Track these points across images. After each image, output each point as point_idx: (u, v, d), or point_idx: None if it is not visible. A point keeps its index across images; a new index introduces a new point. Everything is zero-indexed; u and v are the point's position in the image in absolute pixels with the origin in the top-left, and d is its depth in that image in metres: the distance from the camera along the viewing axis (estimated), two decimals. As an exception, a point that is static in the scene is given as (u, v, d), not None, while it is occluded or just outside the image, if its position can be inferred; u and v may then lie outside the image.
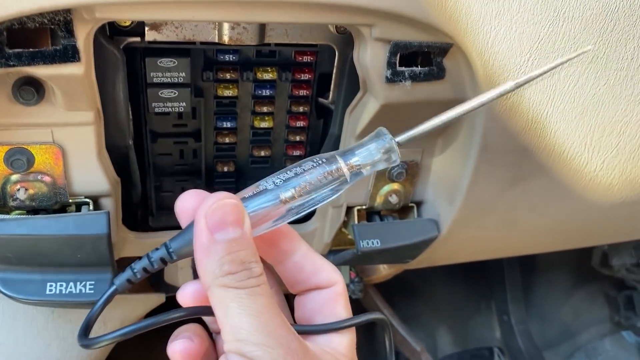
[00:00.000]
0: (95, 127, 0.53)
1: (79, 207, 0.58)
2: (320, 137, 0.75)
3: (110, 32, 0.55)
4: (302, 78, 0.67)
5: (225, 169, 0.73)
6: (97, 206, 0.59)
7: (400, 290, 1.38)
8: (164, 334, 1.21)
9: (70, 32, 0.44)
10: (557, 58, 0.50)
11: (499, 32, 0.52)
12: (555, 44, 0.54)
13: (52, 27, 0.44)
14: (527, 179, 0.64)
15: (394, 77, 0.53)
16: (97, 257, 0.56)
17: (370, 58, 0.52)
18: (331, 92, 0.67)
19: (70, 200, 0.57)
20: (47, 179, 0.54)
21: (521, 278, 1.47)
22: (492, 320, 1.49)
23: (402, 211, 0.71)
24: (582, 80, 0.57)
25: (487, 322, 1.48)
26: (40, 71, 0.46)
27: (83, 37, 0.45)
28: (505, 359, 1.08)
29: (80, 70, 0.46)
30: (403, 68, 0.53)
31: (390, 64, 0.53)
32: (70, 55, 0.45)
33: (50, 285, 0.56)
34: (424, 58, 0.54)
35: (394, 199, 0.67)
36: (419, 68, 0.54)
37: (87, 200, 0.57)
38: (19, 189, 0.54)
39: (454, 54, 0.54)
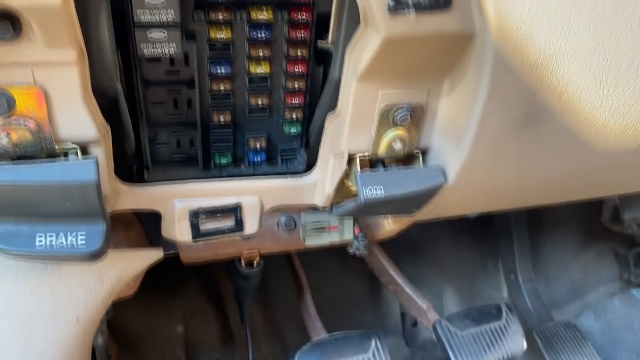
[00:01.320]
0: (79, 68, 0.50)
1: (67, 155, 0.55)
2: (321, 84, 0.71)
3: (92, -34, 0.52)
4: (300, 19, 0.63)
5: (222, 119, 0.70)
6: (85, 154, 0.56)
7: (406, 249, 1.36)
8: (165, 295, 1.20)
9: None
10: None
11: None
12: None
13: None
14: (538, 120, 0.61)
15: (396, 6, 0.49)
16: (87, 206, 0.54)
17: (371, -15, 0.48)
18: (330, 33, 0.63)
19: (57, 148, 0.54)
20: (30, 124, 0.51)
21: (529, 236, 1.44)
22: (499, 279, 1.47)
23: (407, 160, 0.68)
24: (598, 7, 0.53)
25: (494, 281, 1.47)
26: (14, 1, 0.42)
27: (58, -37, 0.42)
28: (514, 316, 1.06)
29: (57, 1, 0.43)
30: None
31: (393, -8, 0.49)
32: (44, -18, 0.42)
33: (40, 237, 0.54)
34: (429, -14, 0.50)
35: (398, 146, 0.64)
36: (424, -3, 0.50)
37: (75, 147, 0.54)
38: (1, 135, 0.51)
39: (461, -18, 0.51)
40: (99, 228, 0.56)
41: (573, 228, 1.46)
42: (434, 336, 1.03)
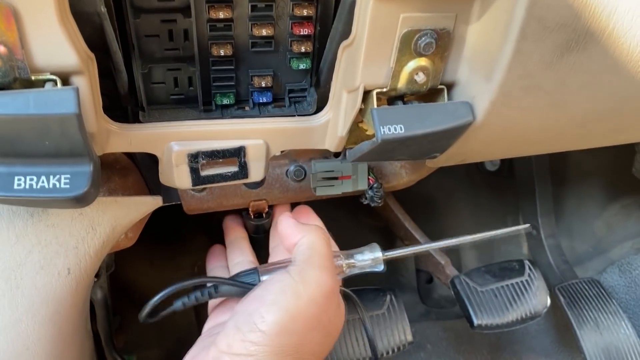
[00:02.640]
0: (52, -17, 0.43)
1: (44, 86, 0.48)
2: (333, 12, 0.64)
3: None
4: None
5: (222, 52, 0.62)
6: (67, 85, 0.49)
7: (422, 203, 1.30)
8: (173, 251, 1.15)
9: None
10: None
11: None
12: None
13: None
14: (581, 46, 0.53)
15: None
16: (70, 144, 0.48)
17: None
18: (344, -52, 0.55)
19: (33, 78, 0.47)
20: (0, 47, 0.45)
21: (552, 190, 1.37)
22: (519, 235, 1.41)
23: (430, 96, 0.61)
24: None
25: (514, 238, 1.41)
26: None
27: None
28: (537, 271, 1.00)
29: None
30: None
31: None
32: None
33: (19, 179, 0.49)
34: None
35: (420, 78, 0.56)
36: None
37: (54, 77, 0.48)
38: (-34, 61, 0.45)
39: None
40: (85, 169, 0.50)
41: (599, 181, 1.38)
42: (452, 292, 0.98)
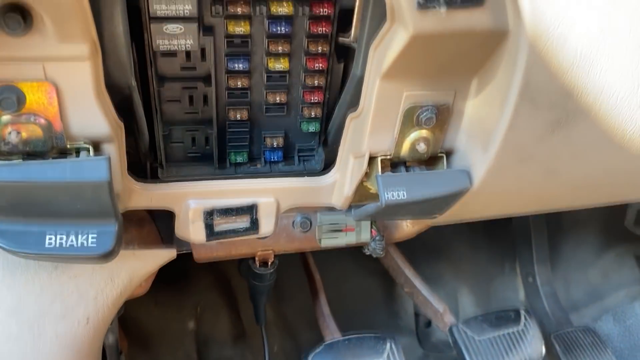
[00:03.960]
0: (92, 63, 0.48)
1: (78, 153, 0.53)
2: (341, 81, 0.69)
3: (106, -43, 0.49)
4: (321, 13, 0.60)
5: (239, 116, 0.67)
6: (98, 152, 0.54)
7: (421, 249, 1.33)
8: (176, 290, 1.18)
9: None
10: None
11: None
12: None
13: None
14: (571, 123, 0.58)
15: (427, 2, 0.46)
16: (99, 206, 0.52)
17: (400, -21, 0.46)
18: (353, 28, 0.60)
19: (69, 145, 0.52)
20: (41, 120, 0.49)
21: (548, 237, 1.41)
22: (516, 281, 1.44)
23: (430, 162, 0.65)
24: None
25: (511, 283, 1.44)
26: (24, -8, 0.40)
27: (71, -48, 0.39)
28: (532, 321, 1.03)
29: (70, -8, 0.41)
30: None
31: (423, -14, 0.46)
32: (56, -28, 0.39)
33: (50, 237, 0.52)
34: (462, -20, 0.47)
35: (421, 147, 0.61)
36: (456, -8, 0.47)
37: (87, 145, 0.52)
38: (10, 132, 0.49)
39: (496, -24, 0.48)
40: (111, 228, 0.54)
41: (594, 230, 1.42)
42: (450, 341, 1.01)
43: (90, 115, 0.51)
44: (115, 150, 0.54)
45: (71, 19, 0.43)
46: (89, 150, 0.52)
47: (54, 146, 0.51)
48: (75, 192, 0.50)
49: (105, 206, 0.52)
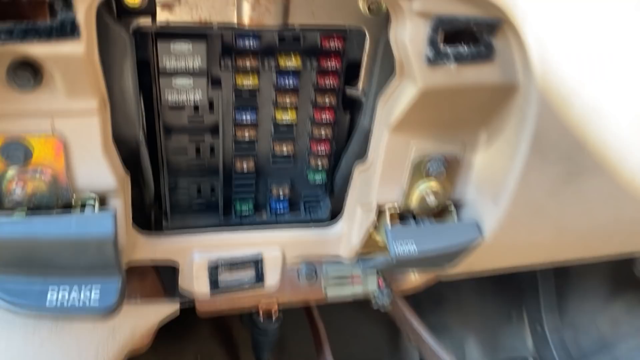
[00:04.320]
0: (101, 117, 0.48)
1: (84, 206, 0.52)
2: (347, 131, 0.69)
3: (118, 13, 0.50)
4: (329, 66, 0.61)
5: (245, 166, 0.67)
6: (103, 205, 0.53)
7: (427, 298, 1.30)
8: (176, 339, 1.13)
9: (68, 4, 0.39)
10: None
11: (560, 7, 0.45)
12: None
13: (48, -2, 0.38)
14: (582, 176, 0.57)
15: (436, 58, 0.47)
16: (103, 261, 0.51)
17: (410, 35, 0.46)
18: (361, 81, 0.61)
19: (74, 199, 0.51)
20: (47, 174, 0.49)
21: (555, 285, 1.38)
22: (524, 330, 1.40)
23: (440, 213, 0.64)
24: (652, 61, 0.50)
25: (518, 332, 1.40)
26: (36, 50, 0.40)
27: (83, 10, 0.40)
28: (543, 373, 1.00)
29: (81, 49, 0.41)
30: (447, 47, 0.47)
31: (433, 42, 0.46)
32: (68, 30, 0.40)
33: (52, 294, 0.51)
34: (470, 36, 0.48)
35: (431, 199, 0.60)
36: (465, 48, 0.47)
37: (93, 198, 0.52)
38: (16, 186, 0.48)
39: (505, 32, 0.48)
40: (114, 283, 0.53)
41: (602, 277, 1.40)
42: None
43: (97, 169, 0.50)
44: (121, 203, 0.54)
45: (81, 75, 0.43)
46: (94, 204, 0.51)
47: (59, 199, 0.50)
48: (80, 247, 0.49)
49: (109, 261, 0.51)
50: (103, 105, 0.48)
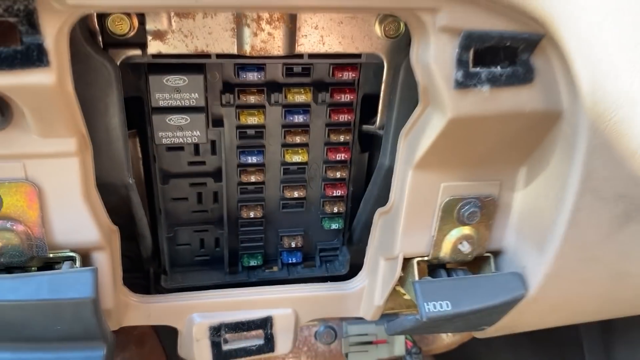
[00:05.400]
0: (80, 160, 0.42)
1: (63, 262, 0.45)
2: (366, 173, 0.62)
3: (104, 43, 0.45)
4: (343, 100, 0.54)
5: (252, 214, 0.60)
6: (87, 262, 0.46)
7: (459, 357, 1.19)
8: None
9: (33, 26, 0.33)
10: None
11: (610, 17, 0.38)
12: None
13: (10, 19, 0.33)
14: (643, 216, 0.49)
15: (466, 81, 0.40)
16: (83, 327, 0.43)
17: (435, 56, 0.39)
18: (379, 115, 0.54)
19: (51, 255, 0.44)
20: (18, 227, 0.42)
21: (601, 339, 1.25)
22: (569, 391, 1.27)
23: (475, 264, 0.56)
24: None
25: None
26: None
27: (53, 34, 0.34)
28: None
29: (51, 79, 0.35)
30: (478, 68, 0.40)
31: (462, 63, 0.39)
32: (35, 57, 0.34)
33: (23, 368, 0.43)
34: (506, 55, 0.41)
35: (465, 247, 0.52)
36: (499, 68, 0.41)
37: (73, 254, 0.45)
38: (-18, 241, 0.42)
39: (545, 49, 0.41)
40: (97, 353, 0.45)
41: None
42: None
43: (77, 220, 0.43)
44: (107, 259, 0.47)
45: (55, 111, 0.38)
46: (74, 260, 0.44)
47: (34, 256, 0.44)
48: (55, 312, 0.42)
49: (90, 327, 0.44)
50: (84, 146, 0.42)
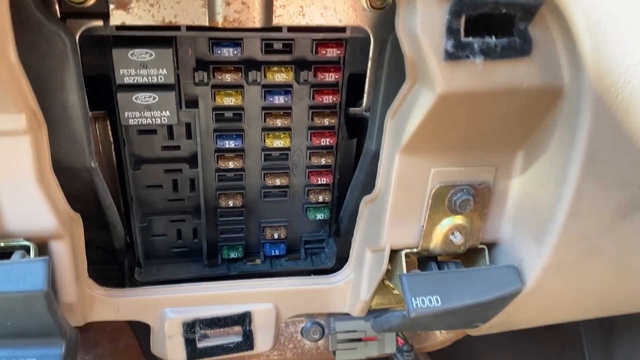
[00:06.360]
0: (32, 138, 0.38)
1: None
2: (353, 159, 0.58)
3: (62, 13, 0.41)
4: (327, 79, 0.51)
5: (231, 203, 0.56)
6: (44, 252, 0.42)
7: (455, 355, 1.16)
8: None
9: None
10: None
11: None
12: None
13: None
14: (650, 205, 0.45)
15: (457, 52, 0.36)
16: (37, 323, 0.40)
17: (422, 23, 0.35)
18: (365, 96, 0.50)
19: (2, 244, 0.41)
20: (-36, 213, 0.39)
21: (601, 338, 1.22)
22: (569, 390, 1.24)
23: (468, 256, 0.52)
24: None
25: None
26: None
27: (-11, -6, 0.30)
28: None
29: (-12, 45, 0.31)
30: (470, 38, 0.36)
31: (452, 31, 0.36)
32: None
33: (-29, 367, 0.40)
34: (501, 24, 0.37)
35: (457, 239, 0.48)
36: (494, 39, 0.37)
37: (27, 244, 0.41)
38: None
39: (545, 18, 0.37)
40: (55, 351, 0.41)
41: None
42: None
43: (31, 205, 0.40)
44: (67, 249, 0.43)
45: (-2, 83, 0.34)
46: (28, 250, 0.41)
47: (-17, 245, 0.40)
48: (4, 306, 0.38)
49: (46, 322, 0.40)
50: (35, 124, 0.38)
